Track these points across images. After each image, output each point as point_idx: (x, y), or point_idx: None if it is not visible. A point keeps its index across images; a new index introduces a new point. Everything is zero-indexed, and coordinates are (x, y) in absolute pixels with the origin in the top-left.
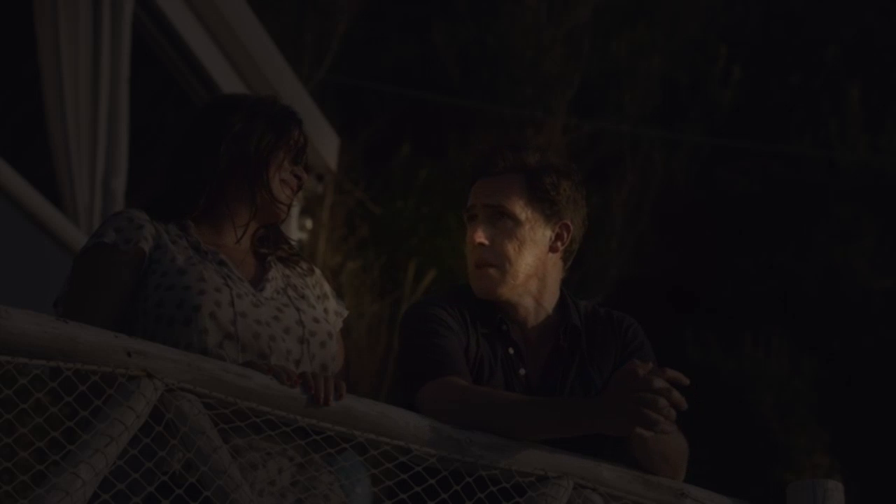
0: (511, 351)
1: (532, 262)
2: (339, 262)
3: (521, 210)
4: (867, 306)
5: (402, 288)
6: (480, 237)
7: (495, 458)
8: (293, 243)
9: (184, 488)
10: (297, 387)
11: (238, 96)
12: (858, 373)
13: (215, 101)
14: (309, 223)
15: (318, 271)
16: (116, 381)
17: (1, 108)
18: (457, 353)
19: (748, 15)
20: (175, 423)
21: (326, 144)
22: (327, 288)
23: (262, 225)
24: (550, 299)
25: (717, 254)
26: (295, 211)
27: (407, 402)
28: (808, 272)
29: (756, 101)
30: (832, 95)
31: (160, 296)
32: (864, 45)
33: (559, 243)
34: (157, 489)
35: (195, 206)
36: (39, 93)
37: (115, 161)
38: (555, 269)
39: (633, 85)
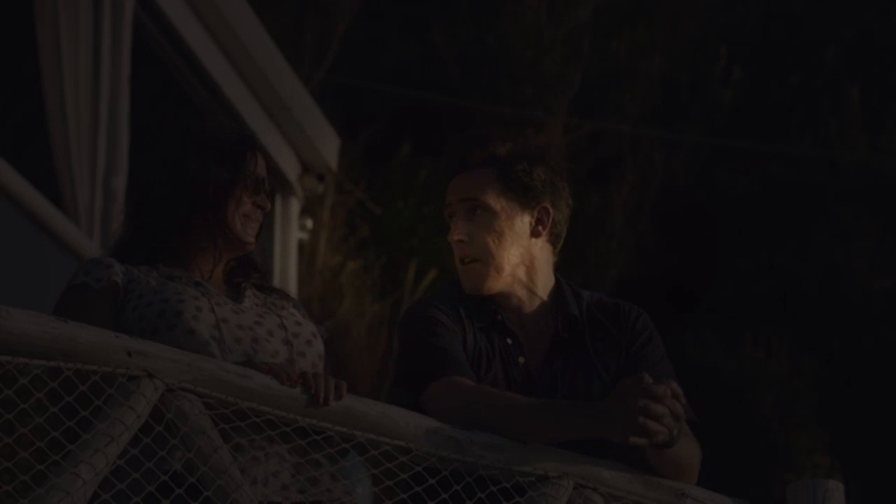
0: (509, 341)
1: (515, 252)
2: (340, 262)
3: (495, 201)
4: (867, 306)
5: (402, 288)
6: (458, 233)
7: (495, 458)
8: (261, 272)
9: (184, 488)
10: (297, 387)
11: (193, 131)
12: (858, 373)
13: (172, 137)
14: (309, 223)
15: (293, 297)
16: (117, 381)
17: (1, 108)
18: (458, 353)
19: (748, 15)
20: (175, 423)
21: (327, 144)
22: (304, 312)
23: (225, 261)
24: (543, 285)
25: (717, 254)
26: (295, 211)
27: (409, 403)
28: (808, 272)
29: (756, 101)
30: (832, 95)
31: (140, 312)
32: (864, 45)
33: (541, 228)
34: (158, 489)
35: (161, 253)
36: (39, 93)
37: (115, 161)
38: (542, 254)
39: (633, 85)
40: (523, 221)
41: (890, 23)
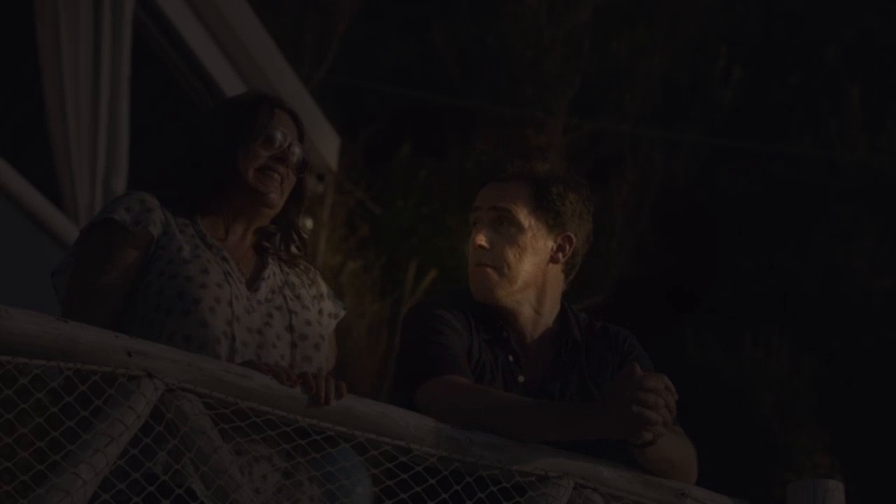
0: (510, 358)
1: (531, 270)
2: (340, 261)
3: (525, 217)
4: (867, 306)
5: (402, 288)
6: (481, 240)
7: (495, 458)
8: (305, 237)
9: (184, 488)
10: (297, 387)
11: (225, 99)
12: (858, 373)
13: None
14: (309, 223)
15: (315, 271)
16: (117, 381)
17: (1, 108)
18: (459, 353)
19: (748, 15)
20: (175, 423)
21: (327, 144)
22: (324, 288)
23: (258, 220)
24: (550, 310)
25: (717, 254)
26: None
27: (406, 400)
28: (808, 272)
29: (756, 101)
30: (832, 95)
31: (162, 284)
32: (864, 45)
33: (560, 255)
34: (157, 489)
35: (201, 209)
36: (39, 93)
37: (115, 161)
38: (555, 281)
39: (633, 85)
40: (546, 245)
41: (890, 23)
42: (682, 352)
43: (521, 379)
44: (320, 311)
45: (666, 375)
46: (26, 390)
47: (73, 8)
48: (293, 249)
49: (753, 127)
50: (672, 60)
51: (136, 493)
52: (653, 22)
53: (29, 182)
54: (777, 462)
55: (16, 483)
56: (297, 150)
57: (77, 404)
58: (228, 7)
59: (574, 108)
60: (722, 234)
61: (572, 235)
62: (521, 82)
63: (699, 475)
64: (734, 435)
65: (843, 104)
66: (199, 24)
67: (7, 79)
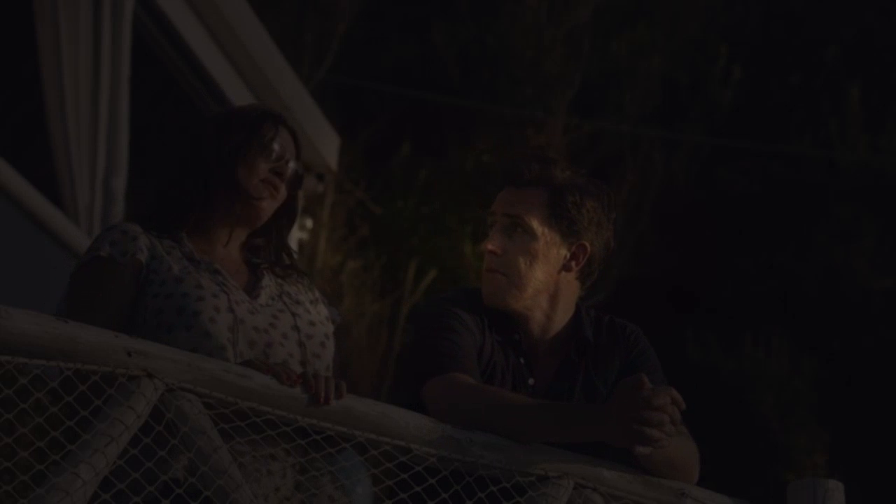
0: (522, 360)
1: (542, 278)
2: (340, 261)
3: (539, 225)
4: (867, 306)
5: (402, 288)
6: (493, 246)
7: (495, 458)
8: (294, 253)
9: (184, 488)
10: (297, 386)
11: (227, 109)
12: (858, 373)
13: (206, 117)
14: (309, 223)
15: (309, 279)
16: (116, 381)
17: (1, 108)
18: (468, 352)
19: (748, 15)
20: (175, 423)
21: (326, 144)
22: (318, 294)
23: (250, 230)
24: (562, 316)
25: (717, 254)
26: None
27: (412, 396)
28: (808, 272)
29: (756, 101)
30: (832, 95)
31: (159, 304)
32: (864, 45)
33: (574, 263)
34: (158, 489)
35: (186, 220)
36: (39, 93)
37: (115, 161)
38: (569, 289)
39: (633, 85)
40: (559, 253)
41: (890, 23)
42: (682, 352)
43: (531, 382)
44: (319, 314)
45: (672, 388)
46: (26, 390)
47: (73, 8)
48: (285, 260)
49: (753, 127)
50: (672, 60)
51: (152, 497)
52: (653, 22)
53: (29, 182)
54: (777, 462)
55: (16, 483)
56: (293, 166)
57: (77, 404)
58: (228, 7)
59: (574, 108)
60: (722, 234)
61: (587, 244)
62: (521, 82)
63: (699, 475)
64: (734, 435)
65: (843, 104)
66: (199, 24)
67: (7, 79)
